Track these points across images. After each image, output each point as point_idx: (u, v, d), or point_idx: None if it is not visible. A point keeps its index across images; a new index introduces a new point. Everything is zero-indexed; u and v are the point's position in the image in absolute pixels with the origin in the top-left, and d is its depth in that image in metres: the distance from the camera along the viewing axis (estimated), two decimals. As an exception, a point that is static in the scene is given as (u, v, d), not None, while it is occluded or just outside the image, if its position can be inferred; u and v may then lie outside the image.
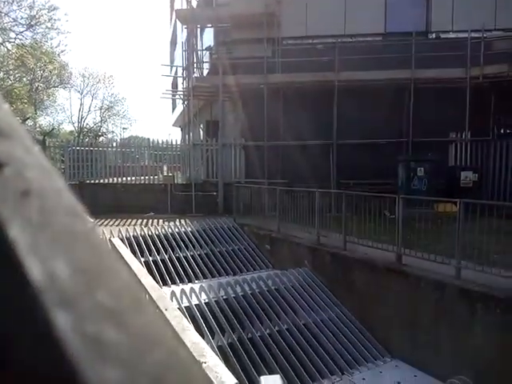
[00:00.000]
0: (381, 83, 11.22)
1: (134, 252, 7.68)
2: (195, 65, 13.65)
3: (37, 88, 26.87)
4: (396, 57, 11.27)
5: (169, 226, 9.03)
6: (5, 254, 0.23)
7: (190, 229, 9.09)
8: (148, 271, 6.45)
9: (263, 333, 5.74)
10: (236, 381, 2.96)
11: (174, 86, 18.27)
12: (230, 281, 6.89)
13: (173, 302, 5.70)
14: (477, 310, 4.99)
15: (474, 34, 11.27)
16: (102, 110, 34.64)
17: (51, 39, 22.12)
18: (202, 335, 5.04)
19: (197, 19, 13.06)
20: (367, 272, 6.46)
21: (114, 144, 13.97)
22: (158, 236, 8.53)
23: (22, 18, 20.66)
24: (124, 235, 8.30)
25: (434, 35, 12.48)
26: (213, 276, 7.62)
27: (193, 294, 6.33)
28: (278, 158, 11.80)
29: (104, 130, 35.50)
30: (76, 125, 34.19)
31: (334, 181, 11.55)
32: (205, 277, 7.55)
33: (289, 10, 12.17)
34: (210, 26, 13.71)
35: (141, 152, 13.14)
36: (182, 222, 9.56)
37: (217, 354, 4.28)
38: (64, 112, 34.38)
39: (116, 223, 10.07)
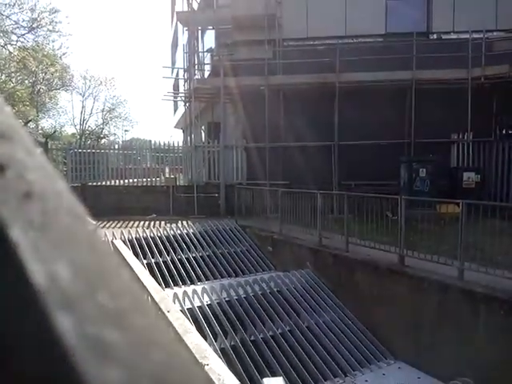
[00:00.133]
0: (382, 84, 11.21)
1: (136, 254, 7.68)
2: (196, 67, 13.69)
3: (39, 90, 26.95)
4: (397, 58, 11.26)
5: (171, 228, 9.03)
6: (6, 255, 0.23)
7: (192, 230, 9.09)
8: (150, 273, 6.44)
9: (266, 335, 5.73)
10: (238, 383, 2.95)
11: (176, 88, 18.29)
12: (232, 283, 6.88)
13: (175, 304, 5.69)
14: (480, 311, 4.97)
15: (475, 35, 11.26)
16: (104, 113, 34.73)
17: (53, 42, 22.19)
18: (205, 337, 5.03)
19: (198, 21, 13.09)
20: (369, 273, 6.45)
21: (116, 146, 14.03)
22: (160, 238, 8.53)
23: (23, 20, 20.74)
24: (126, 237, 8.30)
25: (435, 36, 12.48)
26: (215, 278, 7.61)
27: (195, 296, 6.32)
28: (279, 159, 11.79)
29: (106, 133, 35.62)
30: (78, 127, 34.31)
31: (336, 182, 11.54)
32: (207, 279, 7.54)
33: (289, 12, 12.19)
34: (210, 27, 13.74)
35: (143, 154, 13.16)
36: (184, 223, 9.56)
37: (219, 356, 4.27)
38: (66, 114, 34.53)
39: (118, 225, 10.08)
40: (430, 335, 5.46)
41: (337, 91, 11.44)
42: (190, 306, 6.04)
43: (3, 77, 23.05)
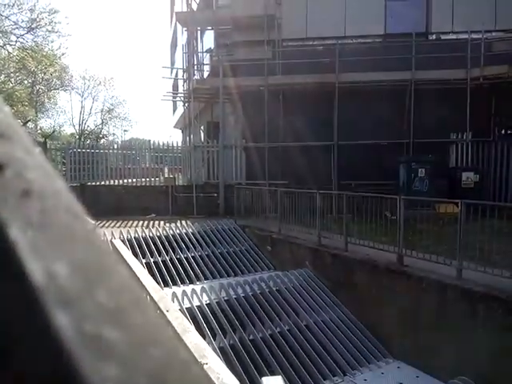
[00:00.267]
0: (381, 84, 11.23)
1: (135, 253, 7.69)
2: (196, 67, 13.68)
3: (38, 91, 26.94)
4: (396, 58, 11.27)
5: (170, 228, 9.04)
6: (5, 254, 0.23)
7: (191, 230, 9.09)
8: (149, 272, 6.45)
9: (265, 334, 5.74)
10: (237, 382, 2.96)
11: (175, 88, 18.30)
12: (231, 282, 6.89)
13: (174, 303, 5.70)
14: (479, 310, 4.98)
15: (474, 35, 11.27)
16: (103, 113, 34.73)
17: (52, 42, 22.18)
18: (204, 336, 5.04)
19: (197, 21, 13.08)
20: (368, 273, 6.46)
21: (115, 146, 14.00)
22: (160, 237, 8.54)
23: (22, 21, 20.74)
24: (125, 237, 8.31)
25: (434, 36, 12.49)
26: (214, 277, 7.62)
27: (194, 295, 6.33)
28: (278, 159, 11.80)
29: (105, 132, 35.61)
30: (77, 127, 34.31)
31: (335, 182, 11.56)
32: (206, 278, 7.54)
33: (289, 12, 12.19)
34: (210, 28, 13.74)
35: (142, 154, 13.15)
36: (183, 223, 9.57)
37: (218, 355, 4.28)
38: (65, 114, 34.63)
39: (117, 225, 10.08)
40: (429, 334, 5.47)
41: (336, 91, 11.45)
42: (189, 306, 6.04)
43: (2, 77, 23.04)
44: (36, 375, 0.21)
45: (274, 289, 6.78)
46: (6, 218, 0.24)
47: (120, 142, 22.05)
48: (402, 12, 12.30)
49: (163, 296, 5.06)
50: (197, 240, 8.72)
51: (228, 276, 7.71)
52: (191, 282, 7.31)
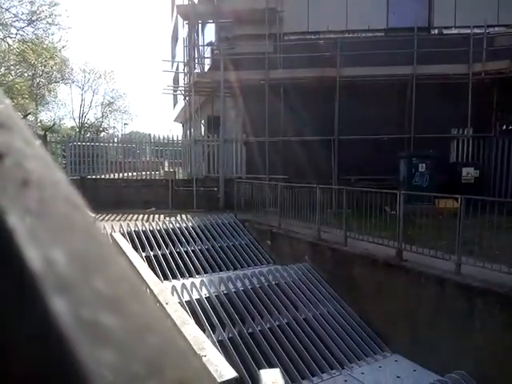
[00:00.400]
0: (382, 79, 11.19)
1: (135, 247, 7.71)
2: (196, 60, 13.62)
3: (38, 83, 26.85)
4: (398, 53, 11.22)
5: (170, 221, 9.05)
6: (3, 241, 0.24)
7: (191, 224, 9.11)
8: (149, 266, 6.47)
9: (264, 327, 5.78)
10: (236, 374, 2.99)
11: (176, 81, 18.23)
12: (230, 275, 6.92)
13: (173, 297, 5.73)
14: (477, 305, 5.00)
15: (476, 30, 11.21)
16: (103, 106, 34.64)
17: (52, 35, 22.10)
18: (203, 329, 5.08)
19: (198, 14, 13.01)
20: (368, 267, 6.48)
21: (116, 139, 13.98)
22: (160, 231, 8.55)
23: (22, 13, 20.63)
24: (125, 230, 8.32)
25: (436, 31, 12.42)
26: (214, 271, 7.65)
27: (194, 289, 6.36)
28: (278, 153, 11.79)
29: (105, 126, 35.54)
30: (77, 120, 34.24)
31: (335, 177, 11.55)
32: (206, 272, 7.57)
33: (290, 6, 12.12)
34: (211, 21, 13.65)
35: (142, 147, 13.14)
36: (184, 217, 9.58)
37: (217, 348, 4.31)
38: (65, 107, 34.55)
39: (117, 218, 10.10)
40: (427, 329, 5.51)
41: (337, 86, 11.41)
42: (189, 299, 6.08)
43: (2, 70, 22.96)
44: (33, 360, 0.21)
45: (273, 283, 6.80)
46: (4, 206, 0.25)
47: (120, 136, 22.03)
48: (404, 6, 12.22)
49: (163, 289, 5.09)
50: (197, 234, 8.74)
51: (227, 270, 7.74)
52: (191, 276, 7.34)
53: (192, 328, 3.83)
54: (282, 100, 11.76)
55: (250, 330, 5.71)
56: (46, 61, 23.56)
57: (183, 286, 6.40)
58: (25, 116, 21.16)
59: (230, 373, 2.97)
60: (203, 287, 6.45)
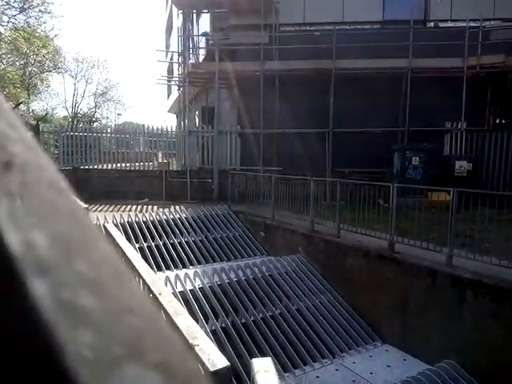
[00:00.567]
0: (378, 72, 11.17)
1: (128, 238, 7.69)
2: (191, 50, 13.50)
3: (30, 72, 26.47)
4: (393, 45, 11.20)
5: (163, 213, 9.03)
6: None
7: (184, 215, 9.10)
8: (142, 257, 6.46)
9: (257, 317, 5.81)
10: (228, 363, 3.00)
11: (170, 71, 18.08)
12: (224, 267, 6.94)
13: (167, 287, 5.74)
14: (467, 296, 5.06)
15: (472, 24, 11.20)
16: (96, 96, 34.27)
17: (44, 23, 21.69)
18: (196, 319, 5.10)
19: (193, 4, 12.86)
20: (360, 259, 6.53)
21: (109, 130, 13.85)
22: (153, 222, 8.53)
23: (14, 1, 20.23)
24: (118, 221, 8.29)
25: (432, 24, 12.40)
26: (207, 262, 7.66)
27: (187, 280, 6.37)
28: (273, 145, 11.77)
29: (98, 116, 35.20)
30: (70, 110, 33.83)
31: (330, 169, 11.57)
32: (199, 263, 7.59)
33: (286, -4, 12.01)
34: (206, 11, 13.51)
35: (135, 138, 13.04)
36: (177, 208, 9.56)
37: (210, 338, 4.33)
38: (58, 97, 34.13)
39: (110, 209, 10.06)
40: (418, 319, 5.57)
41: (332, 78, 11.38)
42: (182, 289, 6.09)
43: (-6, 58, 22.60)
44: (11, 337, 0.21)
45: (267, 274, 6.83)
46: None
47: (113, 126, 21.85)
48: (401, -2, 12.18)
49: (156, 279, 5.08)
50: (190, 225, 8.73)
51: (221, 261, 7.75)
52: (184, 267, 7.35)
53: (185, 318, 3.84)
54: (277, 92, 11.71)
55: (243, 320, 5.74)
56: (38, 49, 23.21)
57: (177, 276, 6.41)
58: (17, 105, 20.89)
59: (223, 361, 2.98)
60: (197, 278, 6.46)
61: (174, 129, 13.80)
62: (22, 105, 23.85)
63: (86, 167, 12.19)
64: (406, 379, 4.58)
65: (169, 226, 8.54)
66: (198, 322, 4.67)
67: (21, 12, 20.49)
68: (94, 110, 34.75)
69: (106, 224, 7.89)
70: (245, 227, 9.10)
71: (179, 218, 8.90)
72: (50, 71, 28.69)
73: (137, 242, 7.85)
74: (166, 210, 9.21)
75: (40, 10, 20.81)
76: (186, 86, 12.85)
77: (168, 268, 7.25)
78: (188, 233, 8.48)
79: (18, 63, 24.65)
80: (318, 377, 4.98)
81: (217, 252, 8.03)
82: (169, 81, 16.74)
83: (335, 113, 11.60)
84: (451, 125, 11.57)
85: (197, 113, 15.15)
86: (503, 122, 12.01)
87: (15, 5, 20.26)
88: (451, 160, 10.81)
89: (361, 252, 6.53)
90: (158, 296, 4.34)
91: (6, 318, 0.21)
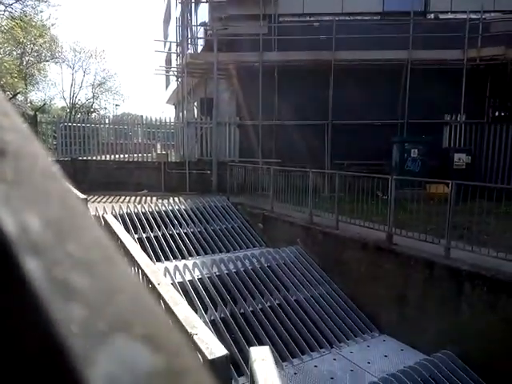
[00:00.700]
0: (377, 63, 11.11)
1: (127, 229, 7.68)
2: (189, 41, 13.38)
3: (27, 62, 26.25)
4: (393, 37, 11.13)
5: (162, 204, 9.03)
6: None
7: (183, 207, 9.10)
8: (141, 247, 6.46)
9: (255, 308, 5.85)
10: (227, 352, 3.02)
11: (168, 62, 17.93)
12: (223, 257, 6.96)
13: (166, 278, 5.75)
14: (464, 288, 5.10)
15: (472, 15, 11.13)
16: (94, 86, 34.01)
17: (41, 12, 21.49)
18: (195, 310, 5.12)
19: (191, -7, 12.71)
20: (358, 251, 6.56)
21: (107, 121, 13.79)
22: (152, 213, 8.54)
23: (11, -11, 19.97)
24: (117, 212, 8.29)
25: (432, 15, 12.30)
26: (206, 253, 7.69)
27: (186, 270, 6.39)
28: (272, 137, 11.74)
29: (96, 107, 34.98)
30: (68, 100, 33.62)
31: (328, 161, 11.56)
32: (198, 254, 7.61)
33: (286, -14, 11.89)
34: (204, 0, 13.37)
35: (134, 129, 12.99)
36: (176, 199, 9.56)
37: (209, 328, 4.35)
38: (55, 87, 33.80)
39: (109, 200, 10.05)
40: (415, 311, 5.62)
41: (332, 69, 11.31)
42: (181, 280, 6.12)
43: (-10, 47, 22.37)
44: (10, 313, 0.23)
45: (265, 265, 6.86)
46: None
47: (111, 117, 21.73)
48: (401, -11, 12.06)
49: (155, 270, 5.09)
50: (189, 216, 8.74)
51: (220, 252, 7.78)
52: (183, 258, 7.37)
53: (184, 308, 3.86)
54: (275, 83, 11.64)
55: (242, 311, 5.77)
56: (35, 39, 23.00)
57: (176, 267, 6.43)
58: (14, 95, 20.72)
59: (221, 350, 3.00)
60: (196, 269, 6.49)
61: (172, 120, 13.73)
62: (19, 95, 23.67)
63: (85, 158, 12.15)
64: (403, 369, 4.63)
65: (168, 217, 8.55)
66: (196, 313, 4.69)
67: (17, 1, 20.24)
68: (91, 100, 34.54)
69: (105, 215, 7.87)
70: (243, 219, 9.11)
71: (178, 210, 8.91)
72: (48, 61, 28.47)
73: (136, 233, 7.85)
74: (165, 202, 9.21)
75: (37, -1, 20.57)
76: (185, 77, 12.76)
77: (167, 259, 7.27)
78: (187, 224, 8.49)
79: (14, 53, 24.42)
80: (316, 366, 5.03)
81: (216, 243, 8.05)
82: (167, 71, 16.63)
83: (334, 105, 11.55)
84: (450, 117, 11.55)
85: (195, 104, 15.07)
86: (502, 114, 11.98)
87: (11, -6, 20.01)
88: (450, 152, 10.81)
89: (359, 244, 6.55)
90: (156, 286, 4.35)
91: (3, 292, 0.23)
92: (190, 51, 13.08)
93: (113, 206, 8.52)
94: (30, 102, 28.50)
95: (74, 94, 33.34)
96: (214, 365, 2.97)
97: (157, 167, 11.83)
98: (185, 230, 8.24)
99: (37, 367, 0.21)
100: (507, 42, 10.48)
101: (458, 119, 11.42)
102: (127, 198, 10.31)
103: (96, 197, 10.17)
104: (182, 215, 8.73)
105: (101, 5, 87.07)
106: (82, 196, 5.77)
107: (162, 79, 23.25)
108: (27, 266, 0.22)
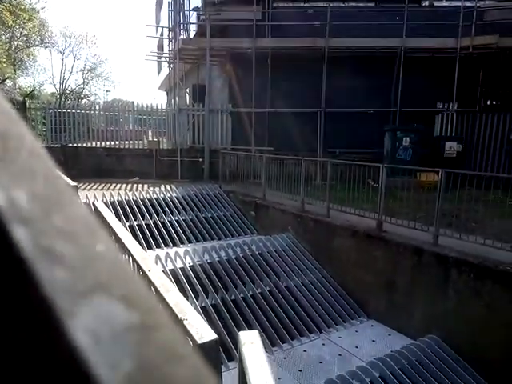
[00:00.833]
0: (371, 51, 11.06)
1: (118, 216, 7.65)
2: (182, 26, 13.17)
3: (16, 47, 25.70)
4: (387, 24, 11.07)
5: (154, 191, 9.00)
6: None
7: (175, 194, 9.08)
8: (133, 235, 6.46)
9: (246, 294, 5.90)
10: (216, 336, 3.06)
11: (160, 47, 17.66)
12: (214, 245, 6.98)
13: (157, 266, 5.77)
14: (451, 274, 5.19)
15: (467, 3, 11.08)
16: (85, 72, 33.45)
17: (30, -6, 20.97)
18: (186, 297, 5.16)
19: (183, -23, 12.48)
20: (348, 238, 6.62)
21: (98, 107, 13.61)
22: (143, 201, 8.51)
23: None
24: (108, 199, 8.25)
25: (427, 3, 12.23)
26: (198, 241, 7.70)
27: (177, 258, 6.41)
28: (265, 125, 11.70)
29: (87, 93, 34.45)
30: (58, 86, 33.03)
31: (321, 149, 11.57)
32: (190, 241, 7.62)
33: (280, -30, 11.71)
34: (197, -16, 13.14)
35: (125, 116, 12.85)
36: (168, 187, 9.53)
37: (200, 314, 4.39)
38: (45, 73, 33.25)
39: (100, 187, 9.98)
40: (403, 297, 5.71)
41: (325, 56, 11.24)
42: (172, 267, 6.14)
43: (-23, 31, 21.83)
44: None
45: (257, 252, 6.90)
46: None
47: (102, 103, 21.45)
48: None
49: (146, 257, 5.09)
50: (181, 204, 8.72)
51: (211, 240, 7.80)
52: (175, 245, 7.38)
53: (174, 294, 3.88)
54: (269, 70, 11.55)
55: (233, 297, 5.83)
56: (24, 23, 22.48)
57: (167, 255, 6.45)
58: (2, 81, 20.35)
59: (211, 335, 3.03)
60: (187, 256, 6.51)
61: (164, 107, 13.59)
62: (8, 80, 23.23)
63: (75, 145, 12.01)
64: (390, 353, 4.73)
65: (159, 204, 8.53)
66: (187, 299, 4.72)
67: (5, -17, 19.72)
68: (82, 86, 33.97)
69: (95, 202, 7.82)
70: (235, 207, 9.12)
71: (170, 197, 8.88)
72: (37, 46, 27.91)
73: (127, 221, 7.83)
74: (157, 189, 9.17)
75: (25, -19, 20.06)
76: (177, 63, 12.60)
77: (158, 246, 7.28)
78: (179, 212, 8.48)
79: (3, 37, 23.87)
80: (305, 351, 5.12)
81: (207, 231, 8.06)
82: (159, 57, 16.40)
83: (327, 92, 11.51)
84: (442, 106, 11.58)
85: (187, 90, 14.93)
86: (494, 103, 12.04)
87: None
88: (441, 141, 10.87)
89: (349, 231, 6.61)
90: (147, 273, 4.36)
91: None
92: (182, 37, 12.89)
93: (104, 194, 8.47)
94: (19, 88, 27.97)
95: (64, 79, 32.77)
96: (204, 349, 3.01)
97: (148, 154, 11.75)
98: (176, 218, 8.24)
99: (24, 318, 0.24)
100: (501, 31, 10.47)
101: (450, 108, 11.45)
102: (118, 185, 10.25)
103: (87, 184, 10.09)
104: (173, 203, 8.71)
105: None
106: (73, 183, 5.73)
107: (153, 65, 22.94)
108: (16, 233, 0.25)
